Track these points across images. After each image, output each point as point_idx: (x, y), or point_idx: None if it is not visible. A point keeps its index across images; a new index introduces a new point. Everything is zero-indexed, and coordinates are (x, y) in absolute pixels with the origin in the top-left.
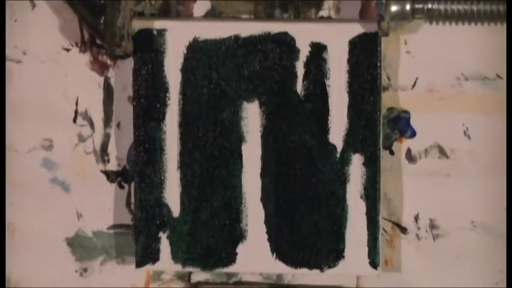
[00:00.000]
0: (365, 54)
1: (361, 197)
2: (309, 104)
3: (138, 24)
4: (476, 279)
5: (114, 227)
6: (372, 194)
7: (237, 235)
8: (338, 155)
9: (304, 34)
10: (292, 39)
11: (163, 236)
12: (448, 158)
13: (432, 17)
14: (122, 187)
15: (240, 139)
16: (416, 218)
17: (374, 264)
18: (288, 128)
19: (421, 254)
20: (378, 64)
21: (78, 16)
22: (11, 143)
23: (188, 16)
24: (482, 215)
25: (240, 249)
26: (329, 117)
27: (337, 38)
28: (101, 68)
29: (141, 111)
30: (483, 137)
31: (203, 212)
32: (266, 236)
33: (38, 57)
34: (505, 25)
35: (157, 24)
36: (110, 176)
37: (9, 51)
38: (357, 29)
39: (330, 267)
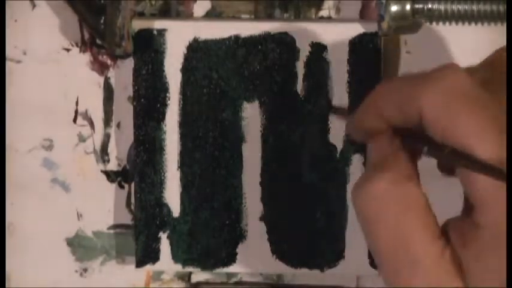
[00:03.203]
0: (365, 54)
1: None
2: (309, 104)
3: (138, 24)
4: None
5: (114, 227)
6: None
7: (237, 235)
8: (338, 155)
9: (304, 34)
10: (292, 39)
11: (164, 236)
12: None
13: (432, 17)
14: (122, 187)
15: (240, 139)
16: None
17: (374, 264)
18: (288, 128)
19: None
20: (378, 64)
21: (78, 16)
22: (11, 143)
23: (188, 16)
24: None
25: (240, 249)
26: (329, 117)
27: (337, 38)
28: (101, 68)
29: (141, 111)
30: None
31: (203, 212)
32: (266, 236)
33: (38, 57)
34: (505, 25)
35: (157, 24)
36: (110, 176)
37: (9, 51)
38: (357, 29)
39: (330, 267)
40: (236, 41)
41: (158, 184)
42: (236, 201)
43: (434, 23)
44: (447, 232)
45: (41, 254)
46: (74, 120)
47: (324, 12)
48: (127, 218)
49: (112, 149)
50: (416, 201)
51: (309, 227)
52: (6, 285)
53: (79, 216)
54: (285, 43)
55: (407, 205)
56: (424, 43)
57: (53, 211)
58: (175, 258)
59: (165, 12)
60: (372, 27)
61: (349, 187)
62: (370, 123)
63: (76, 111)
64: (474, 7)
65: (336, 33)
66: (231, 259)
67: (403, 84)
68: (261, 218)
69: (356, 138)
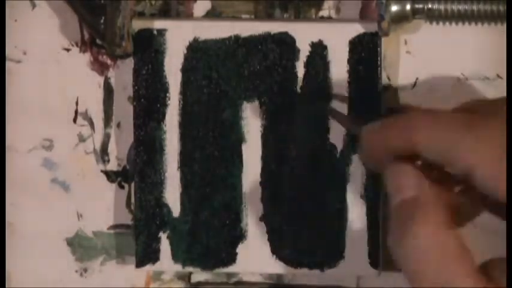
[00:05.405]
0: (365, 54)
1: (361, 197)
2: (309, 104)
3: (138, 24)
4: None
5: (114, 227)
6: (372, 194)
7: (237, 235)
8: (338, 155)
9: (304, 34)
10: (292, 39)
11: (163, 236)
12: None
13: (432, 17)
14: (122, 187)
15: (240, 139)
16: None
17: (374, 264)
18: (288, 128)
19: None
20: (378, 64)
21: (78, 16)
22: (11, 143)
23: (188, 16)
24: (481, 215)
25: (240, 249)
26: (329, 117)
27: (337, 38)
28: (101, 68)
29: (141, 111)
30: None
31: (203, 212)
32: (266, 236)
33: (38, 57)
34: (505, 25)
35: (157, 24)
36: (110, 176)
37: (9, 51)
38: (357, 29)
39: (330, 267)
40: (236, 41)
41: (158, 184)
42: (236, 201)
43: (434, 23)
44: (489, 271)
45: (41, 254)
46: (74, 120)
47: (324, 12)
48: (127, 218)
49: (112, 149)
50: (456, 249)
51: (309, 227)
52: (6, 285)
53: (79, 216)
54: (285, 43)
55: (448, 254)
56: (424, 43)
57: (53, 211)
58: (175, 258)
59: (165, 12)
60: (372, 27)
61: (349, 187)
62: (394, 147)
63: (76, 111)
64: (474, 7)
65: (336, 33)
66: (231, 259)
67: (448, 126)
68: (261, 218)
69: (370, 157)
